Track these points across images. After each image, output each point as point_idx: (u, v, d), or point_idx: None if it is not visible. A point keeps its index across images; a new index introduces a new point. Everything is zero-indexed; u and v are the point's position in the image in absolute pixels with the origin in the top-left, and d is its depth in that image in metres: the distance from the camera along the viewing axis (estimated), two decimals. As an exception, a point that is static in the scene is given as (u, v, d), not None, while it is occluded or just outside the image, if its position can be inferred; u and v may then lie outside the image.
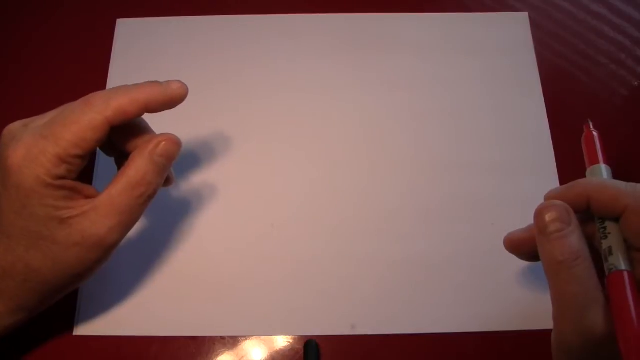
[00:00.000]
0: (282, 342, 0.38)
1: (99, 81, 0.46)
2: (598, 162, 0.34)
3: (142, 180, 0.33)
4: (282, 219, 0.41)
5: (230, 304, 0.39)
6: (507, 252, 0.39)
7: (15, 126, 0.33)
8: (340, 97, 0.46)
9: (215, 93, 0.46)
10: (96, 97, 0.32)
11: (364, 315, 0.38)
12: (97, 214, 0.32)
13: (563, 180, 0.42)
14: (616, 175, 0.44)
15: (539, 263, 0.31)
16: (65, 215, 0.32)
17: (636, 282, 0.29)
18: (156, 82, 0.34)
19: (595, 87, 0.47)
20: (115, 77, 0.46)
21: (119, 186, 0.33)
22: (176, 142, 0.34)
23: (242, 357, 0.38)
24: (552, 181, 0.42)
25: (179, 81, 0.35)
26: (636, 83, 0.47)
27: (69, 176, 0.32)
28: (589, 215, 0.32)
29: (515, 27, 0.49)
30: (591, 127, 0.36)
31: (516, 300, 0.39)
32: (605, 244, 0.30)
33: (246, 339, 0.38)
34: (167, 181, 0.36)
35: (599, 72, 0.47)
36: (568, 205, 0.30)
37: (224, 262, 0.40)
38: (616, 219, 0.31)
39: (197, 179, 0.43)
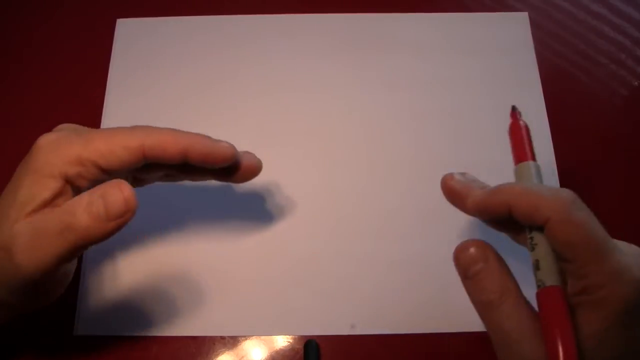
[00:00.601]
0: (282, 342, 0.38)
1: (99, 81, 0.46)
2: (526, 159, 0.31)
3: (70, 213, 0.29)
4: (282, 218, 0.41)
5: (230, 304, 0.39)
6: (506, 252, 0.38)
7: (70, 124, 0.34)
8: (340, 97, 0.46)
9: (215, 93, 0.46)
10: (141, 126, 0.33)
11: (364, 315, 0.38)
12: (24, 230, 0.30)
13: (563, 180, 0.42)
14: (617, 175, 0.44)
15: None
16: (28, 209, 0.30)
17: (566, 296, 0.27)
18: (207, 135, 0.33)
19: (595, 87, 0.47)
20: (115, 77, 0.46)
21: (51, 214, 0.30)
22: (125, 201, 0.29)
23: (242, 357, 0.38)
24: (552, 181, 0.42)
25: (229, 143, 0.34)
26: (636, 83, 0.47)
27: (77, 181, 0.31)
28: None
29: (515, 27, 0.49)
30: (519, 116, 0.32)
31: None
32: (533, 257, 0.28)
33: (246, 339, 0.38)
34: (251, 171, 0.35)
35: (599, 72, 0.47)
36: (482, 241, 0.29)
37: (224, 262, 0.40)
38: (541, 229, 0.28)
39: (197, 179, 0.43)
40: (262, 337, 0.38)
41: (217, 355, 0.38)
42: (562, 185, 0.42)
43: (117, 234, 0.39)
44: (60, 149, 0.31)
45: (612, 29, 0.49)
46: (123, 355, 0.37)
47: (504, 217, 0.29)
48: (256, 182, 0.42)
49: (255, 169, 0.36)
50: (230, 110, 0.45)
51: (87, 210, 0.29)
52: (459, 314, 0.38)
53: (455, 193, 0.32)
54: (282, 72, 0.47)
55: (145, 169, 0.34)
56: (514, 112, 0.33)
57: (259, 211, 0.42)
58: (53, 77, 0.47)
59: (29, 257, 0.29)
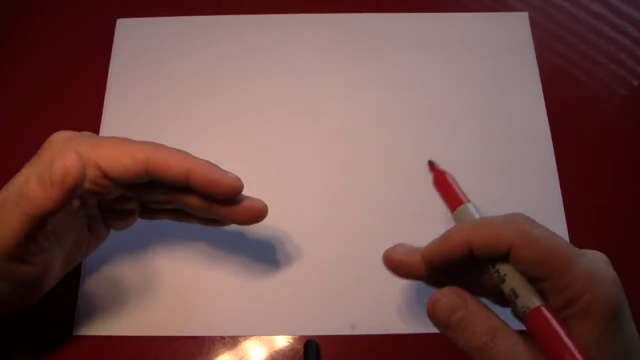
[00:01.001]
0: (282, 342, 0.38)
1: (99, 81, 0.46)
2: (462, 203, 0.31)
3: (23, 183, 0.30)
4: (282, 218, 0.41)
5: (230, 304, 0.39)
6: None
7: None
8: (340, 96, 0.46)
9: (215, 92, 0.46)
10: (151, 142, 0.33)
11: (364, 315, 0.38)
12: None
13: (563, 180, 0.42)
14: (616, 175, 0.44)
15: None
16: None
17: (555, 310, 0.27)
18: (215, 164, 0.33)
19: (595, 87, 0.47)
20: (116, 77, 0.46)
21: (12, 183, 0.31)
22: (72, 164, 0.29)
23: (242, 357, 0.38)
24: (552, 181, 0.42)
25: (236, 176, 0.33)
26: (636, 83, 0.47)
27: None
28: (474, 261, 0.29)
29: (515, 27, 0.49)
30: (437, 166, 0.32)
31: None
32: (506, 288, 0.28)
33: (246, 339, 0.38)
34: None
35: (599, 72, 0.47)
36: (455, 287, 0.28)
37: (224, 262, 0.40)
38: (505, 259, 0.28)
39: (197, 179, 0.43)
40: (262, 337, 0.38)
41: (217, 355, 0.37)
42: (562, 185, 0.42)
43: (117, 233, 0.39)
44: (69, 146, 0.32)
45: (612, 29, 0.49)
46: (123, 355, 0.37)
47: (461, 258, 0.29)
48: (255, 181, 0.42)
49: (259, 211, 0.35)
50: (230, 110, 0.45)
51: (36, 177, 0.29)
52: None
53: (401, 264, 0.31)
54: (282, 72, 0.47)
55: (148, 189, 0.34)
56: (432, 164, 0.33)
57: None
58: (53, 77, 0.47)
59: None
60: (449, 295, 0.28)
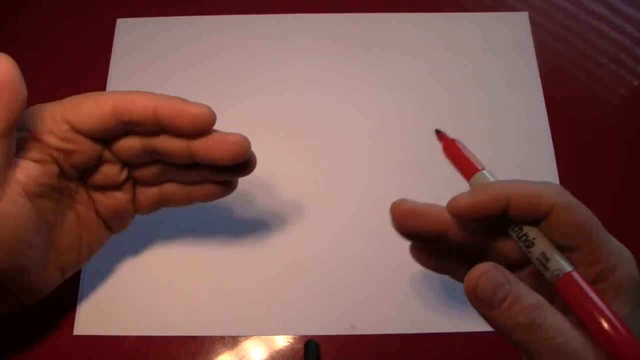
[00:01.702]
0: (282, 342, 0.38)
1: (99, 81, 0.46)
2: (478, 170, 0.30)
3: None
4: (282, 218, 0.41)
5: (230, 304, 0.39)
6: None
7: None
8: (340, 96, 0.46)
9: (216, 93, 0.46)
10: (117, 91, 0.32)
11: (364, 315, 0.38)
12: None
13: (563, 180, 0.42)
14: (616, 175, 0.44)
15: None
16: None
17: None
18: (184, 99, 0.32)
19: (595, 87, 0.47)
20: (116, 77, 0.46)
21: None
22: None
23: (242, 357, 0.38)
24: (552, 181, 0.42)
25: (206, 105, 0.31)
26: (636, 83, 0.47)
27: (44, 137, 0.31)
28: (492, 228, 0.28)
29: (515, 27, 0.49)
30: (447, 135, 0.31)
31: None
32: (536, 252, 0.27)
33: (246, 339, 0.38)
34: (229, 186, 0.34)
35: (599, 72, 0.47)
36: (492, 263, 0.26)
37: (224, 262, 0.40)
38: (534, 223, 0.27)
39: (197, 179, 0.43)
40: (262, 337, 0.38)
41: (217, 355, 0.37)
42: (562, 185, 0.42)
43: (117, 234, 0.39)
44: (37, 110, 0.31)
45: (612, 29, 0.49)
46: (123, 355, 0.37)
47: (493, 216, 0.27)
48: (256, 180, 0.42)
49: (235, 141, 0.32)
50: (230, 110, 0.45)
51: None
52: (459, 314, 0.38)
53: (415, 213, 0.30)
54: (282, 72, 0.47)
55: (125, 147, 0.33)
56: (440, 133, 0.32)
57: (259, 211, 0.42)
58: (53, 77, 0.47)
59: None
60: (492, 271, 0.25)
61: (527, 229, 0.27)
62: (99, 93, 0.32)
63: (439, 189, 0.43)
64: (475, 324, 0.38)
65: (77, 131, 0.31)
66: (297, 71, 0.47)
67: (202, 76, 0.46)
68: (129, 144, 0.33)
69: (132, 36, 0.48)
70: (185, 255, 0.40)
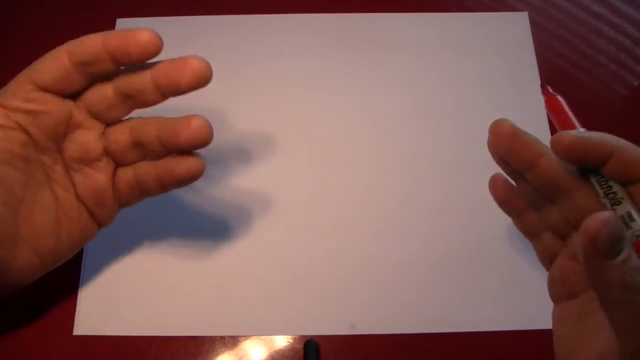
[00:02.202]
0: (282, 342, 0.38)
1: (99, 81, 0.46)
2: (576, 128, 0.30)
3: None
4: (282, 218, 0.41)
5: (230, 304, 0.39)
6: (507, 252, 0.39)
7: None
8: (340, 96, 0.46)
9: (215, 93, 0.46)
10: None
11: (364, 315, 0.38)
12: None
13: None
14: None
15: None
16: None
17: None
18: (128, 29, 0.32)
19: (595, 87, 0.47)
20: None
21: None
22: None
23: (242, 357, 0.38)
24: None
25: (148, 28, 0.32)
26: (636, 83, 0.47)
27: (9, 103, 0.32)
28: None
29: (515, 26, 0.49)
30: (551, 90, 0.32)
31: (517, 300, 0.39)
32: (621, 210, 0.28)
33: (246, 339, 0.38)
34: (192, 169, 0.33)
35: (599, 72, 0.47)
36: (613, 214, 0.25)
37: (224, 262, 0.40)
38: (624, 183, 0.28)
39: (197, 179, 0.43)
40: (262, 337, 0.38)
41: (217, 355, 0.38)
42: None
43: (117, 233, 0.39)
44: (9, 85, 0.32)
45: (612, 29, 0.49)
46: (123, 355, 0.37)
47: (591, 160, 0.28)
48: (256, 180, 0.42)
49: (194, 65, 0.33)
50: (230, 110, 0.45)
51: None
52: (459, 314, 0.38)
53: (517, 135, 0.30)
54: (282, 72, 0.47)
55: (89, 92, 0.33)
56: (545, 89, 0.32)
57: (259, 211, 0.42)
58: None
59: None
60: (615, 222, 0.25)
61: (616, 187, 0.29)
62: (53, 51, 0.33)
63: (438, 188, 0.43)
64: (476, 324, 0.38)
65: (42, 89, 0.32)
66: (297, 71, 0.47)
67: (202, 76, 0.46)
68: (99, 94, 0.33)
69: (132, 36, 0.48)
70: (185, 255, 0.40)
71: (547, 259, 0.33)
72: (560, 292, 0.32)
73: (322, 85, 0.46)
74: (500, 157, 0.32)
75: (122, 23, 0.49)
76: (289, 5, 0.49)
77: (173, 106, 0.45)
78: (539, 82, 0.46)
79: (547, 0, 0.50)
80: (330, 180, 0.43)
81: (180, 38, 0.48)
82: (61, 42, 0.48)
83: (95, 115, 0.33)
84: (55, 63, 0.31)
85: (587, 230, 0.24)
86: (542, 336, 0.37)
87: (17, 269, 0.32)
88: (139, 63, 0.32)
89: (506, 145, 0.30)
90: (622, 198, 0.28)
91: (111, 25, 0.48)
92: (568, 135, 0.29)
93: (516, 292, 0.39)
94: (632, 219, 0.28)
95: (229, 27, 0.48)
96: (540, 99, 0.45)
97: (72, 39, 0.48)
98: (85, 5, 0.50)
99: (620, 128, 0.45)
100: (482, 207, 0.42)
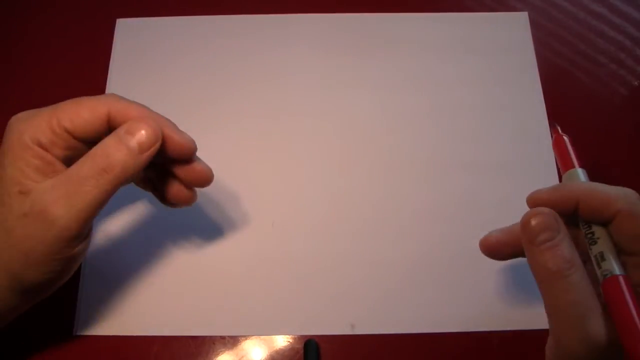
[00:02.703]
0: (282, 342, 0.38)
1: (99, 81, 0.46)
2: (573, 167, 0.33)
3: (103, 155, 0.31)
4: (282, 218, 0.41)
5: (230, 304, 0.39)
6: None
7: None
8: (340, 96, 0.46)
9: (215, 92, 0.46)
10: (110, 94, 0.33)
11: (364, 315, 0.39)
12: (51, 186, 0.30)
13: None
14: (616, 175, 0.44)
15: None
16: (28, 184, 0.31)
17: (632, 285, 0.28)
18: (174, 123, 0.34)
19: (595, 87, 0.47)
20: (115, 77, 0.46)
21: (80, 162, 0.31)
22: (154, 130, 0.32)
23: (242, 357, 0.38)
24: (552, 181, 0.42)
25: (191, 139, 0.34)
26: (636, 83, 0.47)
27: (52, 150, 0.31)
28: (571, 220, 0.31)
29: (515, 27, 0.49)
30: (559, 130, 0.35)
31: (517, 300, 0.39)
32: (595, 250, 0.30)
33: (246, 339, 0.38)
34: (200, 179, 0.35)
35: (599, 72, 0.47)
36: (555, 212, 0.29)
37: (224, 262, 0.40)
38: (603, 224, 0.30)
39: (197, 179, 0.43)
40: (262, 337, 0.38)
41: (217, 355, 0.38)
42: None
43: (117, 233, 0.39)
44: (29, 120, 0.32)
45: (612, 29, 0.49)
46: (123, 355, 0.37)
47: (565, 211, 0.30)
48: (256, 181, 0.42)
49: (205, 175, 0.35)
50: (230, 110, 0.45)
51: (118, 148, 0.31)
52: (459, 314, 0.38)
53: (502, 242, 0.32)
54: (282, 72, 0.47)
55: None
56: (555, 127, 0.35)
57: (259, 211, 0.42)
58: (53, 77, 0.47)
59: (65, 206, 0.30)
60: (549, 214, 0.29)
61: (595, 228, 0.30)
62: (94, 99, 0.33)
63: (438, 188, 0.43)
64: (476, 324, 0.38)
65: (74, 137, 0.32)
66: (296, 71, 0.47)
67: (202, 75, 0.46)
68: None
69: (132, 36, 0.48)
70: (185, 255, 0.40)
71: None
72: None
73: (321, 85, 0.46)
74: (502, 259, 0.34)
75: (122, 23, 0.49)
76: (289, 5, 0.49)
77: (175, 106, 0.45)
78: (539, 82, 0.46)
79: (547, 0, 0.50)
80: (330, 181, 0.43)
81: (180, 38, 0.48)
82: (61, 42, 0.48)
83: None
84: (94, 120, 0.32)
85: (522, 217, 0.29)
86: (542, 336, 0.37)
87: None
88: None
89: (500, 254, 0.33)
90: (598, 238, 0.30)
91: (111, 25, 0.48)
92: (538, 193, 0.31)
93: (516, 292, 0.39)
94: (603, 259, 0.29)
95: (230, 27, 0.48)
96: (540, 100, 0.46)
97: (72, 39, 0.48)
98: (85, 5, 0.50)
99: (620, 128, 0.45)
100: (482, 207, 0.42)
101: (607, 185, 0.30)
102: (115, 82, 0.46)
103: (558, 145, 0.34)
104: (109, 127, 0.32)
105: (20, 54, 0.48)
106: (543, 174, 0.43)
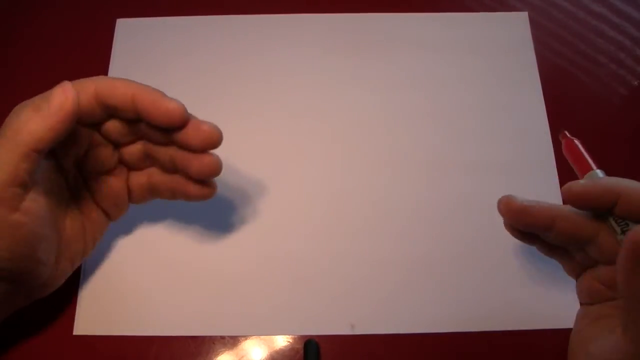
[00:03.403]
0: (282, 342, 0.38)
1: (99, 81, 0.46)
2: (592, 169, 0.32)
3: (19, 121, 0.30)
4: (282, 218, 0.41)
5: (230, 304, 0.39)
6: (506, 252, 0.39)
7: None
8: (340, 96, 0.46)
9: (215, 92, 0.46)
10: (100, 76, 0.34)
11: (364, 315, 0.39)
12: None
13: (563, 180, 0.42)
14: (616, 175, 0.44)
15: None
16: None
17: None
18: (162, 92, 0.33)
19: (595, 87, 0.47)
20: (116, 77, 0.46)
21: None
22: (64, 90, 0.31)
23: (242, 357, 0.38)
24: (552, 181, 0.42)
25: (180, 103, 0.33)
26: (636, 83, 0.47)
27: None
28: (597, 215, 0.31)
29: (515, 26, 0.49)
30: (568, 135, 0.34)
31: (517, 300, 0.39)
32: None
33: (246, 339, 0.38)
34: (207, 188, 0.35)
35: (599, 72, 0.47)
36: None
37: (224, 262, 0.40)
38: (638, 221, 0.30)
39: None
40: (262, 337, 0.38)
41: (217, 355, 0.38)
42: (562, 185, 0.42)
43: (117, 233, 0.39)
44: (31, 105, 0.32)
45: (612, 28, 0.49)
46: (123, 355, 0.37)
47: (601, 206, 0.30)
48: (256, 181, 0.43)
49: (208, 132, 0.33)
50: (230, 110, 0.45)
51: (31, 110, 0.31)
52: (459, 314, 0.38)
53: (526, 210, 0.32)
54: (282, 72, 0.47)
55: (108, 130, 0.34)
56: (564, 133, 0.34)
57: (259, 210, 0.42)
58: (53, 77, 0.47)
59: None
60: None
61: (632, 226, 0.30)
62: (82, 80, 0.33)
63: (438, 188, 0.43)
64: (476, 324, 0.38)
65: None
66: (296, 71, 0.47)
67: (202, 75, 0.46)
68: (116, 126, 0.34)
69: (132, 36, 0.48)
70: (185, 255, 0.40)
71: (574, 273, 0.35)
72: (585, 299, 0.34)
73: (321, 85, 0.46)
74: (513, 228, 0.33)
75: (122, 23, 0.49)
76: (288, 5, 0.49)
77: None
78: (539, 82, 0.46)
79: (547, 0, 0.50)
80: (330, 180, 0.43)
81: (180, 38, 0.48)
82: (61, 42, 0.48)
83: (109, 139, 0.35)
84: (82, 97, 0.32)
85: (631, 239, 0.27)
86: (542, 336, 0.37)
87: (55, 279, 0.35)
88: (159, 127, 0.33)
89: (519, 220, 0.32)
90: None
91: (111, 25, 0.48)
92: (575, 186, 0.31)
93: (517, 292, 0.39)
94: None
95: (230, 27, 0.48)
96: (540, 100, 0.46)
97: (72, 39, 0.48)
98: (85, 5, 0.50)
99: (620, 128, 0.45)
100: (482, 207, 0.42)
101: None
102: (115, 82, 0.46)
103: (571, 149, 0.34)
104: (98, 104, 0.32)
105: (20, 54, 0.48)
106: (543, 173, 0.43)
